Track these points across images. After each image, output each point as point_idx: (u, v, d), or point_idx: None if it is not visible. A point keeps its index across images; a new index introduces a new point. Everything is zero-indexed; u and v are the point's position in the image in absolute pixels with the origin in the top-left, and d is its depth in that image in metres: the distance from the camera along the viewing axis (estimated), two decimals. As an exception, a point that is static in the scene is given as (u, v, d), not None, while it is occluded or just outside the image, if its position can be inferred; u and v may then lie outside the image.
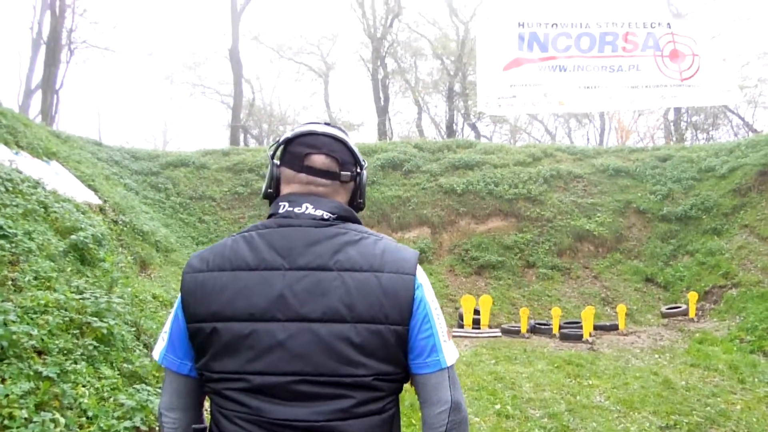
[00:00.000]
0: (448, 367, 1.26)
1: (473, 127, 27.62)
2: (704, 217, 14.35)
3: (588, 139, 31.21)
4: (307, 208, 1.28)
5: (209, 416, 1.29)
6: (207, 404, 1.35)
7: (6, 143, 8.70)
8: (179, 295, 1.29)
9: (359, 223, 1.35)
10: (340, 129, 1.41)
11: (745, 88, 21.25)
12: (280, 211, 1.30)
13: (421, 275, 1.30)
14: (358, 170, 1.41)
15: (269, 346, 1.18)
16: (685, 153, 16.96)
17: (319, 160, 1.33)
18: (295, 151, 1.34)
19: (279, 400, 1.18)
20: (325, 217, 1.29)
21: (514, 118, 29.50)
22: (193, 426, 1.23)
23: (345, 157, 1.36)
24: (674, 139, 24.26)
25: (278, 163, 1.37)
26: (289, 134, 1.36)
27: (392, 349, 1.21)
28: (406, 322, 1.22)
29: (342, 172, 1.35)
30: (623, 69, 8.40)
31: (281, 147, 1.38)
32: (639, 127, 31.41)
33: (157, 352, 1.32)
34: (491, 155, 17.23)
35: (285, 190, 1.34)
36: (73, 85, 53.77)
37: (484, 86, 8.78)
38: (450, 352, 1.27)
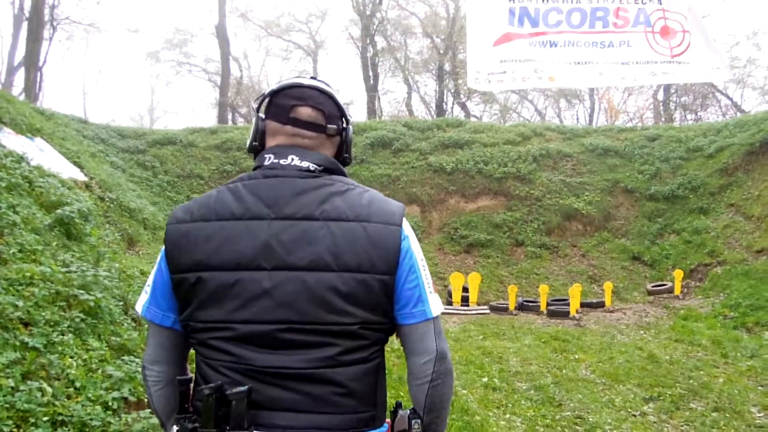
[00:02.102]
0: (433, 318, 1.26)
1: (463, 106, 27.54)
2: (691, 196, 14.48)
3: (578, 118, 31.29)
4: (292, 159, 1.27)
5: (194, 370, 1.28)
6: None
7: (-12, 118, 8.54)
8: (162, 247, 1.28)
9: (345, 176, 1.34)
10: (326, 84, 1.39)
11: (734, 68, 21.32)
12: (266, 163, 1.28)
13: (407, 227, 1.30)
14: (345, 124, 1.39)
15: (255, 295, 1.17)
16: (674, 133, 17.05)
17: (305, 112, 1.31)
18: (280, 103, 1.32)
19: (265, 349, 1.17)
20: (311, 168, 1.27)
21: (504, 98, 29.45)
22: (178, 377, 1.22)
23: (331, 110, 1.35)
24: (663, 119, 24.36)
25: (264, 116, 1.35)
26: (274, 87, 1.34)
27: (378, 298, 1.21)
28: (392, 272, 1.22)
29: (328, 125, 1.33)
30: (614, 45, 8.35)
31: (267, 100, 1.36)
32: (628, 107, 31.52)
33: (140, 305, 1.31)
34: (481, 134, 17.20)
35: (270, 142, 1.32)
36: (57, 63, 52.81)
37: (474, 62, 8.70)
38: (435, 304, 1.27)
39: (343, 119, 1.38)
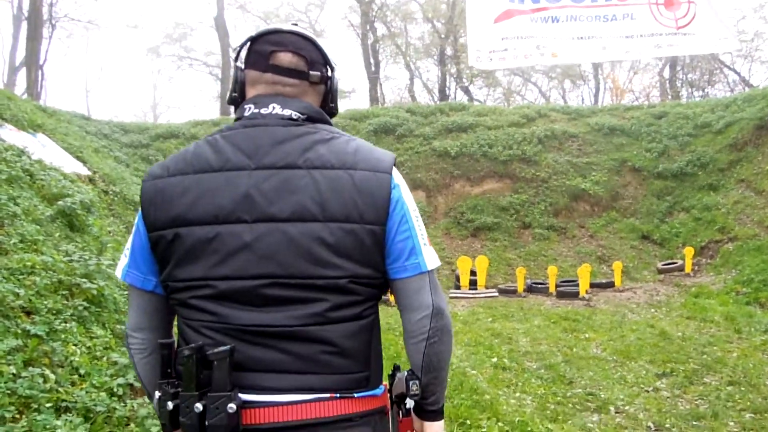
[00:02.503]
0: (428, 271, 1.17)
1: (466, 90, 27.28)
2: (700, 173, 14.30)
3: (582, 99, 30.94)
4: (274, 108, 1.19)
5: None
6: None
7: (-11, 115, 8.51)
8: (140, 209, 1.21)
9: (331, 126, 1.26)
10: (307, 31, 1.31)
11: (741, 42, 20.97)
12: (246, 114, 1.20)
13: (398, 176, 1.21)
14: (329, 72, 1.30)
15: (235, 249, 1.10)
16: (681, 109, 16.82)
17: (285, 58, 1.23)
18: (259, 49, 1.24)
19: (248, 306, 1.10)
20: (294, 117, 1.19)
21: (507, 81, 29.20)
22: (159, 341, 1.15)
23: (313, 56, 1.26)
24: (670, 96, 24.02)
25: (243, 65, 1.27)
26: (253, 33, 1.26)
27: (368, 250, 1.13)
28: (382, 222, 1.14)
29: (311, 72, 1.25)
30: (617, 18, 8.19)
31: (245, 48, 1.27)
32: (634, 86, 31.15)
33: (120, 269, 1.24)
34: (485, 117, 17.04)
35: (251, 92, 1.24)
36: (59, 62, 52.89)
37: (475, 40, 8.56)
38: (430, 257, 1.19)
39: (328, 67, 1.30)
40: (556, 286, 11.03)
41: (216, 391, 1.03)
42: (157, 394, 1.10)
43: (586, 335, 7.27)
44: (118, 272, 1.24)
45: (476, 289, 11.29)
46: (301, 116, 1.19)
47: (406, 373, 1.22)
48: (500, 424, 3.96)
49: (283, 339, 1.10)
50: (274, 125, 1.17)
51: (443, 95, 26.10)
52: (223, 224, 1.11)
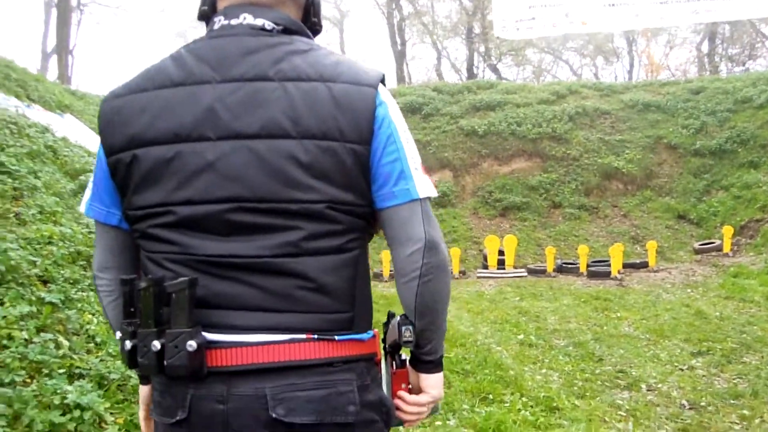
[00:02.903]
0: (420, 199, 1.02)
1: (494, 69, 26.69)
2: (740, 150, 13.70)
3: (616, 77, 29.98)
4: (245, 18, 1.04)
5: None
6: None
7: (17, 96, 8.61)
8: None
9: (311, 39, 1.11)
10: None
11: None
12: (215, 27, 1.06)
13: (386, 94, 1.06)
14: None
15: (197, 169, 0.97)
16: (720, 84, 16.13)
17: None
18: None
19: (212, 235, 0.98)
20: (267, 27, 1.04)
21: (537, 60, 28.47)
22: (120, 277, 1.02)
23: None
24: (708, 72, 23.08)
25: None
26: None
27: (349, 172, 0.99)
28: (365, 141, 0.99)
29: None
30: (652, -18, 7.73)
31: None
32: (670, 61, 30.04)
33: (83, 203, 1.12)
34: (513, 95, 16.64)
35: (222, 3, 1.10)
36: (88, 48, 53.80)
37: (501, 9, 8.24)
38: (423, 183, 1.03)
39: None
40: (587, 266, 10.73)
41: (175, 328, 0.91)
42: (118, 334, 0.99)
43: (618, 314, 7.03)
44: (82, 207, 1.12)
45: (504, 269, 11.07)
46: (276, 27, 1.04)
47: (398, 318, 1.08)
48: (524, 399, 3.81)
49: (252, 272, 0.97)
50: (243, 35, 1.02)
51: (471, 74, 25.62)
52: (184, 143, 0.98)
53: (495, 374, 4.35)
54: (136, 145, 0.99)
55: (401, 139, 1.02)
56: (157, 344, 0.91)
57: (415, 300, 1.03)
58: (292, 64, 0.99)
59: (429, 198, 1.04)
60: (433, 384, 1.12)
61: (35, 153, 5.46)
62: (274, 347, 0.94)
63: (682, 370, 4.72)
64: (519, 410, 3.61)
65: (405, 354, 1.16)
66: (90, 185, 1.11)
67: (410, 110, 16.28)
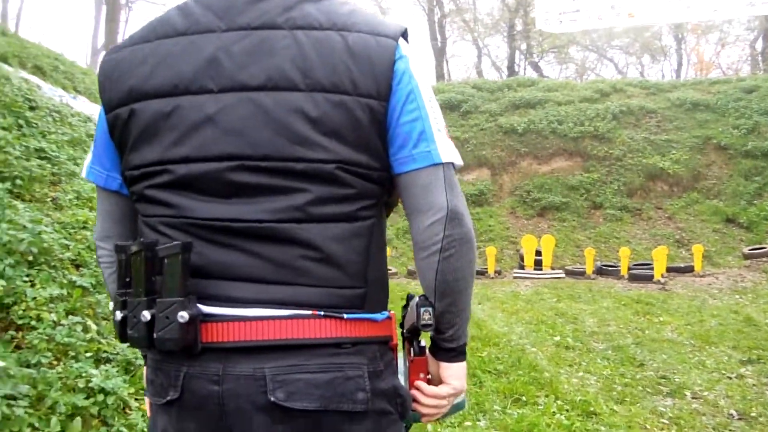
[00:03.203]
0: (443, 164, 0.91)
1: (536, 67, 26.19)
2: (795, 151, 13.03)
3: (663, 75, 28.99)
4: None
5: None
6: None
7: (63, 87, 8.84)
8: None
9: None
10: None
11: None
12: None
13: (407, 48, 0.95)
14: None
15: (196, 123, 0.88)
16: (775, 83, 15.37)
17: None
18: None
19: (212, 197, 0.89)
20: None
21: (581, 57, 27.76)
22: (115, 243, 0.95)
23: None
24: (762, 70, 22.05)
25: None
26: None
27: (364, 130, 0.88)
28: (382, 96, 0.89)
29: None
30: (705, -28, 7.30)
31: None
32: (721, 60, 28.87)
33: (84, 166, 1.06)
34: (555, 92, 16.25)
35: None
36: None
37: (544, 1, 7.98)
38: (447, 148, 0.92)
39: None
40: (629, 268, 10.36)
41: (167, 296, 0.83)
42: (111, 305, 0.91)
43: (660, 318, 6.74)
44: (83, 171, 1.06)
45: (541, 269, 10.80)
46: None
47: (417, 299, 0.97)
48: (559, 402, 3.64)
49: (253, 238, 0.87)
50: None
51: (512, 72, 25.18)
52: (184, 95, 0.89)
53: (529, 375, 4.19)
54: (134, 98, 0.92)
55: (423, 97, 0.92)
56: (146, 315, 0.82)
57: (435, 277, 0.92)
58: (304, 12, 0.90)
59: (453, 164, 0.93)
60: (454, 374, 1.01)
61: (76, 141, 5.55)
62: (274, 323, 0.84)
63: (730, 378, 4.46)
64: (553, 413, 3.45)
65: (424, 340, 1.06)
66: (92, 148, 1.04)
67: (448, 107, 16.09)
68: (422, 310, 0.95)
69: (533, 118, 15.14)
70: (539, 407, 3.57)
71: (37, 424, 2.25)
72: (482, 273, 10.89)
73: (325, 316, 0.86)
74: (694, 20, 17.26)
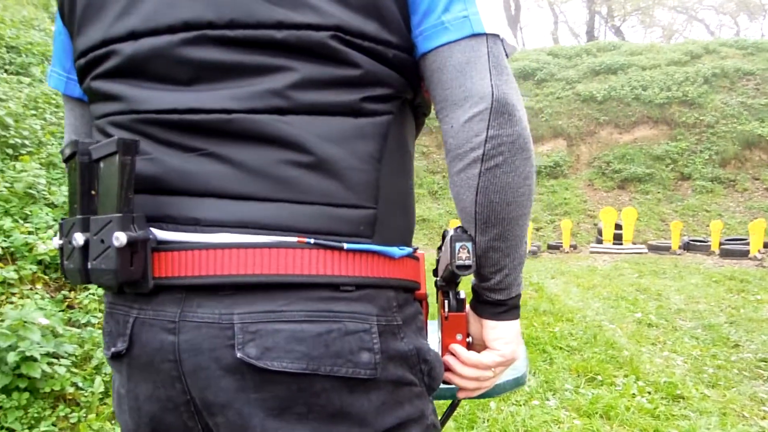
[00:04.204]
0: (486, 35, 0.64)
1: (617, 31, 24.52)
2: None
3: (762, 34, 26.42)
4: None
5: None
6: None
7: None
8: None
9: None
10: None
11: None
12: None
13: None
14: None
15: None
16: None
17: None
18: None
19: (165, 84, 0.66)
20: None
21: (668, 19, 25.69)
22: (63, 149, 0.75)
23: None
24: None
25: None
26: None
27: None
28: None
29: None
30: None
31: None
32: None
33: (47, 73, 0.88)
34: (639, 56, 15.13)
35: None
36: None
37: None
38: (490, 13, 0.65)
39: None
40: (720, 243, 9.52)
41: (106, 213, 0.61)
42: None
43: (758, 296, 6.07)
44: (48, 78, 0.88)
45: (621, 243, 10.15)
46: None
47: (452, 232, 0.72)
48: (640, 383, 3.28)
49: (219, 136, 0.63)
50: None
51: (591, 38, 23.75)
52: None
53: (606, 353, 3.83)
54: None
55: None
56: (79, 238, 0.62)
57: (474, 199, 0.66)
58: None
59: (502, 39, 0.66)
60: (502, 336, 0.75)
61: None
62: (247, 253, 0.60)
63: (843, 363, 3.90)
64: (633, 395, 3.10)
65: (464, 292, 0.81)
66: (53, 46, 0.86)
67: (522, 76, 15.38)
68: (458, 245, 0.69)
69: (614, 84, 14.19)
70: (617, 388, 3.22)
71: (81, 384, 2.20)
72: (557, 247, 10.39)
73: (316, 245, 0.62)
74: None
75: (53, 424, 2.05)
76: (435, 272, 0.82)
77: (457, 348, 0.78)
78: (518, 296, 0.75)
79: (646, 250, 9.88)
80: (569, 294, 6.20)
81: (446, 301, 0.79)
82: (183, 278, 0.61)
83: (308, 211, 0.62)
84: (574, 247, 10.53)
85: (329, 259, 0.62)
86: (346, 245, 0.63)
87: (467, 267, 0.70)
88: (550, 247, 10.54)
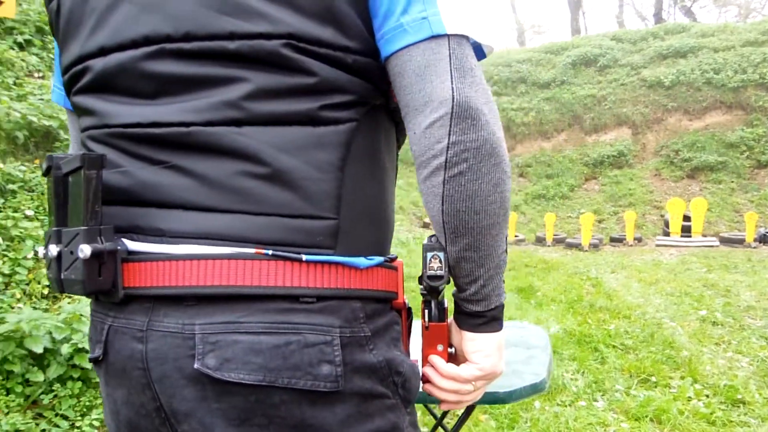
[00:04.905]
0: (448, 36, 0.63)
1: (688, 12, 23.17)
2: None
3: None
4: None
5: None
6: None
7: None
8: None
9: None
10: None
11: None
12: None
13: None
14: None
15: (112, 2, 0.68)
16: None
17: None
18: None
19: (133, 97, 0.68)
20: None
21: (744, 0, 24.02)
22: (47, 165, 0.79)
23: None
24: None
25: None
26: None
27: None
28: None
29: None
30: None
31: None
32: None
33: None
34: (710, 38, 14.26)
35: None
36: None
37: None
38: (449, 14, 0.63)
39: None
40: (801, 236, 8.89)
41: (71, 226, 0.64)
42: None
43: (842, 294, 5.63)
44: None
45: (690, 236, 9.64)
46: None
47: (425, 241, 0.71)
48: (697, 386, 3.11)
49: (180, 149, 0.65)
50: None
51: (659, 20, 22.58)
52: None
53: (663, 353, 3.66)
54: None
55: None
56: (53, 250, 0.65)
57: (441, 207, 0.65)
58: None
59: (465, 39, 0.64)
60: (481, 349, 0.73)
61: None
62: (206, 264, 0.62)
63: None
64: (689, 399, 2.95)
65: (447, 301, 0.79)
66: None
67: (583, 63, 14.86)
68: (429, 255, 0.69)
69: (683, 68, 13.45)
70: (671, 390, 3.08)
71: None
72: (620, 240, 10.01)
73: (274, 257, 0.62)
74: None
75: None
76: (420, 280, 0.81)
77: (436, 360, 0.76)
78: (499, 307, 0.73)
79: (718, 243, 9.35)
80: (629, 289, 5.96)
81: (427, 311, 0.78)
82: (150, 288, 0.63)
83: (265, 223, 0.63)
84: (639, 239, 10.11)
85: (288, 271, 0.62)
86: (305, 257, 0.63)
87: (439, 278, 0.69)
88: (612, 239, 10.16)
